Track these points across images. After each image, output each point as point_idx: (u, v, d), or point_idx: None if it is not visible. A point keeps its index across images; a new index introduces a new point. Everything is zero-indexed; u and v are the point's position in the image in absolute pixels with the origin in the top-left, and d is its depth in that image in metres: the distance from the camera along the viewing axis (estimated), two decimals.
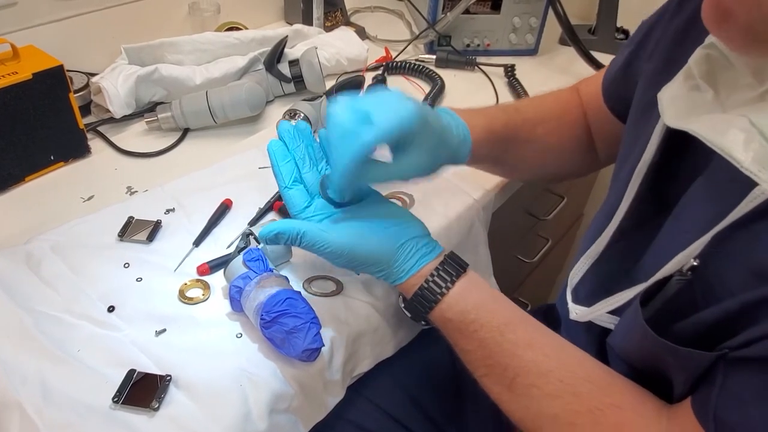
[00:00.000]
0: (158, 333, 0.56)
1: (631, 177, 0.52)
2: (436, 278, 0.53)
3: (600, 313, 0.52)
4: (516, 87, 1.02)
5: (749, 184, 0.37)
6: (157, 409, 0.50)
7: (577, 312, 0.55)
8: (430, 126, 0.52)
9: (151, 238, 0.66)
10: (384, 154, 0.52)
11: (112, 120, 0.85)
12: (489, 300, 0.54)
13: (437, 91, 0.98)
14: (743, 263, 0.39)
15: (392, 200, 0.74)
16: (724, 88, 0.43)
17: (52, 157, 0.77)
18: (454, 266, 0.53)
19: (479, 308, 0.52)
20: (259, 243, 0.61)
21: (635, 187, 0.51)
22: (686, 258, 0.42)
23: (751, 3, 0.35)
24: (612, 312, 0.51)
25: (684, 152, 0.47)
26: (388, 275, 0.54)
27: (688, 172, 0.48)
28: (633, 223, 0.53)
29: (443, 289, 0.52)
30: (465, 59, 1.08)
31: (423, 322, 0.55)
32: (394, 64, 1.05)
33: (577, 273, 0.58)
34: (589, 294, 0.56)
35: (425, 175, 0.55)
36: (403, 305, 0.57)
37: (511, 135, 0.66)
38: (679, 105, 0.45)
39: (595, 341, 0.56)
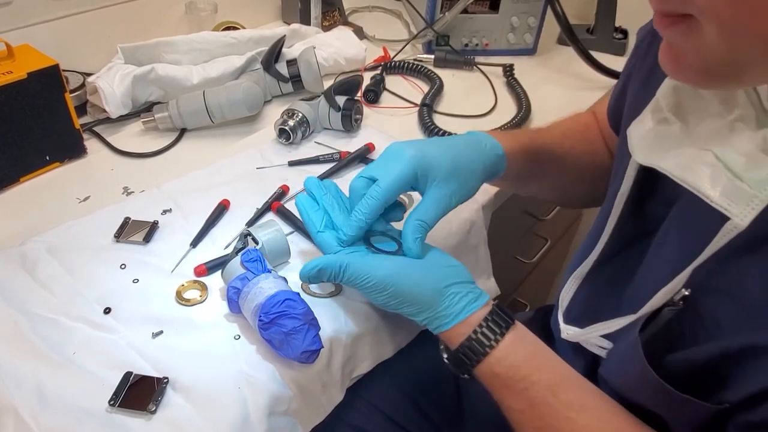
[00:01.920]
0: (155, 335, 0.55)
1: (611, 201, 0.52)
2: (485, 329, 0.50)
3: (592, 335, 0.51)
4: (514, 87, 1.01)
5: (722, 217, 0.38)
6: (154, 412, 0.49)
7: (568, 332, 0.55)
8: (433, 159, 0.54)
9: (147, 239, 0.65)
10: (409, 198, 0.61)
11: (108, 120, 0.84)
12: (539, 355, 0.52)
13: (435, 90, 0.97)
14: (731, 298, 0.39)
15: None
16: (693, 118, 0.43)
17: (47, 158, 0.76)
18: (503, 317, 0.51)
19: (530, 364, 0.50)
20: (257, 243, 0.61)
21: (617, 213, 0.51)
22: (671, 292, 0.42)
23: (698, 50, 0.35)
24: (605, 336, 0.51)
25: (662, 177, 0.46)
26: (432, 319, 0.52)
27: (666, 196, 0.48)
28: (616, 247, 0.53)
29: (492, 342, 0.50)
30: (463, 59, 1.08)
31: (465, 375, 0.53)
32: (393, 63, 1.05)
33: (566, 294, 0.58)
34: (579, 315, 0.56)
35: (469, 196, 0.57)
36: (445, 356, 0.54)
37: (539, 149, 0.65)
38: (647, 140, 0.46)
39: (586, 367, 0.55)
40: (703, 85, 0.41)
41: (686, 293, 0.41)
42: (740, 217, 0.37)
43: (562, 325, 0.56)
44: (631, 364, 0.45)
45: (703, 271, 0.40)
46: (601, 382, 0.52)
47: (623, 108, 0.62)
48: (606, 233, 0.53)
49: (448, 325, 0.51)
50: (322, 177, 0.76)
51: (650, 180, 0.50)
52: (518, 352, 0.50)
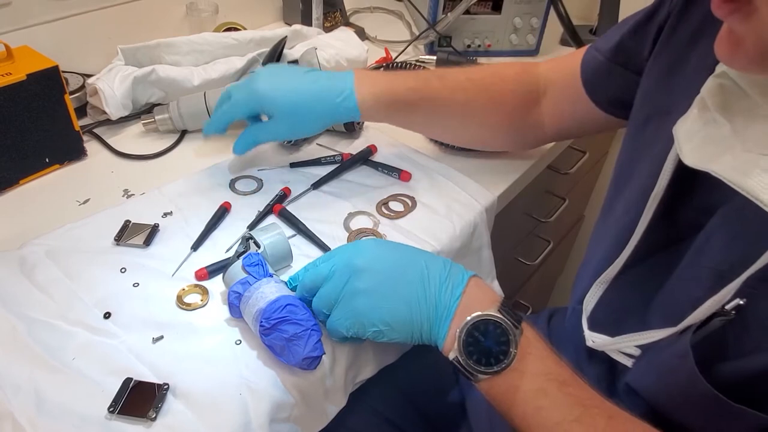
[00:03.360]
0: (155, 340, 0.55)
1: (639, 201, 0.50)
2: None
3: (625, 345, 0.50)
4: None
5: None
6: (154, 419, 0.48)
7: (594, 340, 0.53)
8: (277, 96, 0.66)
9: (148, 242, 0.65)
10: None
11: (108, 122, 0.84)
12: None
13: None
14: None
15: (394, 202, 0.73)
16: (740, 119, 0.42)
17: (47, 160, 0.75)
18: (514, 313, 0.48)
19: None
20: (258, 247, 0.60)
21: (648, 216, 0.50)
22: (720, 301, 0.40)
23: (758, 35, 0.35)
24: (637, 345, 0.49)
25: (700, 180, 0.45)
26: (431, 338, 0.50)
27: (702, 202, 0.46)
28: (642, 253, 0.51)
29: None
30: (466, 60, 1.07)
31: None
32: (394, 64, 1.04)
33: (591, 299, 0.56)
34: (604, 322, 0.54)
35: (295, 135, 0.72)
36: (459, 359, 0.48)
37: (419, 99, 0.68)
38: (696, 141, 0.44)
39: (604, 375, 0.54)
40: (758, 72, 0.39)
41: (741, 303, 0.40)
42: None
43: (587, 333, 0.55)
44: (674, 374, 0.43)
45: (755, 279, 0.39)
46: (626, 393, 0.51)
47: (610, 84, 0.63)
48: (636, 237, 0.51)
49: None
50: (325, 179, 0.76)
51: (684, 183, 0.48)
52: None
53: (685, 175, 0.45)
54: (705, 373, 0.40)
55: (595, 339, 0.53)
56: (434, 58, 1.08)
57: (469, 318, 0.47)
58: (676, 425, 0.45)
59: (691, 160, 0.43)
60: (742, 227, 0.42)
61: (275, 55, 0.91)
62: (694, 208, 0.47)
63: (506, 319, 0.46)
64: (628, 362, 0.50)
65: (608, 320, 0.53)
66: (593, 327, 0.55)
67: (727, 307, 0.40)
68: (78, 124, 0.77)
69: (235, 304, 0.55)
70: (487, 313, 0.46)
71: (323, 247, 0.66)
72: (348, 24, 1.18)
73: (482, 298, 0.49)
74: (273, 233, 0.61)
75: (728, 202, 0.44)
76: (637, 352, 0.50)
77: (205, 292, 0.60)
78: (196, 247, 0.65)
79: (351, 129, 0.84)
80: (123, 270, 0.62)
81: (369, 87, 0.66)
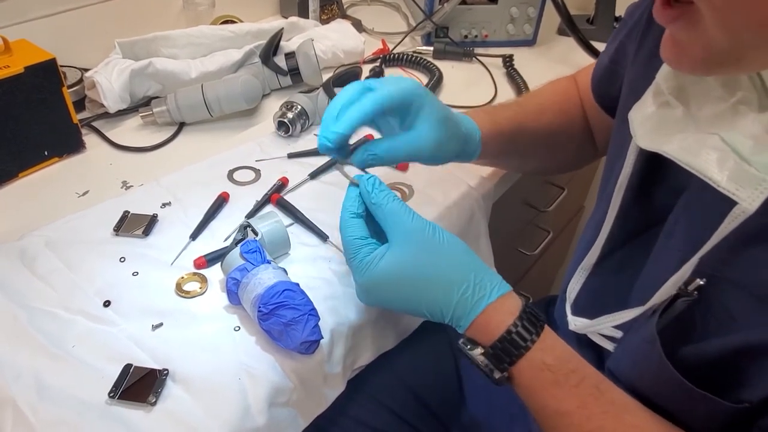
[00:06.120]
0: (155, 327, 0.55)
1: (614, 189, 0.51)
2: (525, 321, 0.46)
3: (601, 327, 0.50)
4: (514, 77, 1.01)
5: (730, 203, 0.37)
6: (154, 404, 0.49)
7: (576, 324, 0.54)
8: (432, 99, 0.53)
9: (147, 232, 0.65)
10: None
11: (106, 115, 0.84)
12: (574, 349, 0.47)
13: (435, 82, 0.97)
14: (745, 290, 0.39)
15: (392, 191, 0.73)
16: (695, 102, 0.42)
17: (46, 153, 0.76)
18: (536, 312, 0.47)
19: (576, 355, 0.46)
20: (256, 235, 0.60)
21: (618, 202, 0.51)
22: (679, 281, 0.41)
23: (700, 41, 0.35)
24: (616, 328, 0.50)
25: (667, 164, 0.46)
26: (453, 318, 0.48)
27: (673, 184, 0.47)
28: (623, 237, 0.52)
29: (538, 331, 0.46)
30: (463, 50, 1.07)
31: (504, 373, 0.46)
32: (392, 56, 1.04)
33: (574, 285, 0.57)
34: (587, 306, 0.55)
35: (433, 158, 0.54)
36: (480, 351, 0.46)
37: (517, 127, 0.65)
38: (650, 124, 0.45)
39: (593, 362, 0.54)
40: (703, 74, 0.41)
41: (701, 283, 0.40)
42: (748, 202, 0.36)
43: (570, 317, 0.55)
44: (645, 358, 0.44)
45: (715, 261, 0.39)
46: (608, 377, 0.51)
47: (612, 86, 0.62)
48: (608, 222, 0.52)
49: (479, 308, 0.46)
50: (322, 169, 0.76)
51: (656, 168, 0.49)
52: (560, 343, 0.46)
53: (657, 160, 0.46)
54: (670, 357, 0.41)
55: (577, 323, 0.54)
56: (431, 49, 1.08)
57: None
58: (655, 408, 0.45)
59: (645, 143, 0.44)
60: (700, 208, 0.43)
61: (272, 47, 0.91)
62: (666, 191, 0.48)
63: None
64: (610, 347, 0.51)
65: (590, 305, 0.54)
66: (576, 312, 0.55)
67: (690, 287, 0.41)
68: (76, 117, 0.77)
69: (233, 290, 0.55)
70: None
71: (321, 235, 0.66)
72: (345, 16, 1.18)
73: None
74: (270, 221, 0.62)
75: (690, 184, 0.45)
76: (617, 334, 0.50)
77: (203, 280, 0.60)
78: (194, 236, 0.65)
79: None
80: (122, 259, 0.62)
81: (478, 119, 0.61)
